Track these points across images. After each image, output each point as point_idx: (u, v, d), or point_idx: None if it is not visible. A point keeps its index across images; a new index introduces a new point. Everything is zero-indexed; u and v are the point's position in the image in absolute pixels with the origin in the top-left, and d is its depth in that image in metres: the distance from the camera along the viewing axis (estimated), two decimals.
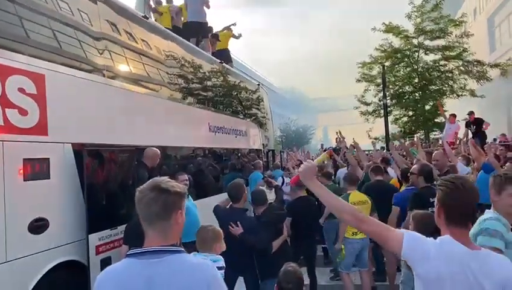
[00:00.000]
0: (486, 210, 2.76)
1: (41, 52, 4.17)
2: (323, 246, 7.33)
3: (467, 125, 13.38)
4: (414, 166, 5.50)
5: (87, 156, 4.49)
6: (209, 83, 8.78)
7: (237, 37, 12.01)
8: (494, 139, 14.30)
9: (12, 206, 3.62)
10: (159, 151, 5.47)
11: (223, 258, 3.29)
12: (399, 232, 1.97)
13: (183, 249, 1.78)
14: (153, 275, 1.66)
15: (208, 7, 10.38)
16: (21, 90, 3.80)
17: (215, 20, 11.56)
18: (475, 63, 19.81)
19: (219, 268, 3.18)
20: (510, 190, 2.67)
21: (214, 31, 11.08)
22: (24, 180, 3.78)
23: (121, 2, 5.89)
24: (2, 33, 3.76)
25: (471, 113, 13.38)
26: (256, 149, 11.38)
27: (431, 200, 4.40)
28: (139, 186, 1.80)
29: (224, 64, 9.86)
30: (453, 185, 1.95)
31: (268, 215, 4.66)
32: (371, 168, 6.35)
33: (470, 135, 13.38)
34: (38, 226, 3.87)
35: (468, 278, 1.81)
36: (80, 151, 4.43)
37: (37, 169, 3.95)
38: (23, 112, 3.80)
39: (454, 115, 13.92)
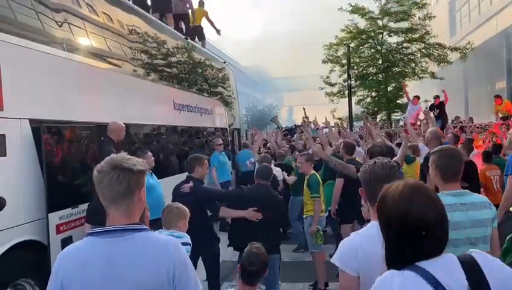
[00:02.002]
0: None
1: None
2: None
3: (431, 108, 13.79)
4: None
5: (46, 133, 4.32)
6: (173, 60, 8.60)
7: (217, 31, 12.22)
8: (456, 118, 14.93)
9: None
10: (123, 125, 5.33)
11: (188, 235, 3.32)
12: None
13: (147, 227, 1.75)
14: (116, 254, 1.63)
15: None
16: None
17: None
18: (436, 46, 20.33)
19: (184, 244, 3.21)
20: None
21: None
22: None
23: None
24: None
25: (436, 97, 13.77)
26: (222, 128, 11.33)
27: None
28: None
29: (189, 40, 9.66)
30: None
31: (248, 188, 4.75)
32: (344, 147, 6.37)
33: (432, 116, 13.84)
34: None
35: None
36: (38, 128, 4.25)
37: None
38: None
39: (417, 97, 14.32)
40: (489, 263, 1.45)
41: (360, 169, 2.28)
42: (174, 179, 6.74)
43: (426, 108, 15.74)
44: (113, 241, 1.64)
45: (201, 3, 11.92)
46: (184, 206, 3.50)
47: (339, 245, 2.04)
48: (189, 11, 10.77)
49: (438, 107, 13.05)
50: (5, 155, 3.90)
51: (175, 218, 3.38)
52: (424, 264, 1.41)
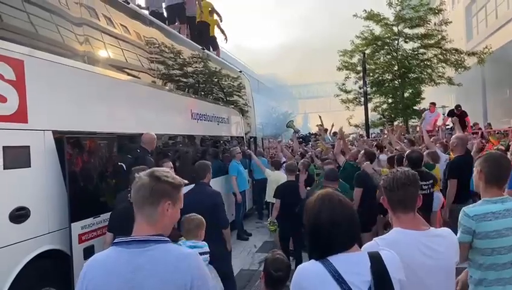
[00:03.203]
0: None
1: (20, 38, 4.06)
2: None
3: (450, 114, 13.60)
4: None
5: (68, 144, 4.41)
6: (191, 70, 8.70)
7: (225, 37, 11.89)
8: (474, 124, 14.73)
9: None
10: (155, 135, 5.48)
11: (206, 244, 3.49)
12: None
13: (168, 239, 1.79)
14: (139, 264, 1.68)
15: None
16: None
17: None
18: (453, 51, 20.11)
19: (204, 253, 3.36)
20: None
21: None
22: (4, 169, 3.70)
23: None
24: None
25: (458, 106, 13.60)
26: (238, 136, 11.38)
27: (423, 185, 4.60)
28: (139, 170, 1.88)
29: (206, 50, 9.75)
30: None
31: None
32: (364, 155, 6.39)
33: (449, 122, 13.69)
34: (19, 215, 3.81)
35: None
36: (61, 139, 4.35)
37: (17, 157, 3.87)
38: (2, 99, 3.71)
39: (434, 104, 14.19)
40: (392, 259, 1.79)
41: (382, 178, 2.36)
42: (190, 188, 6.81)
43: (444, 114, 15.58)
44: (136, 251, 1.70)
45: (213, 12, 11.33)
46: (201, 217, 3.63)
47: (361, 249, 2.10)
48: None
49: (458, 116, 12.87)
50: (30, 166, 4.00)
51: (195, 228, 3.53)
52: (333, 258, 1.72)
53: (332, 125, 9.93)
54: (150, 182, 1.77)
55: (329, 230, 1.75)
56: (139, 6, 8.52)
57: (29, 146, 4.00)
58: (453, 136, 6.56)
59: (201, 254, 3.28)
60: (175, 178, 1.85)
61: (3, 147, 3.71)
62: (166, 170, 1.86)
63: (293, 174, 6.38)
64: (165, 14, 9.70)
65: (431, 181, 4.97)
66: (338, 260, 1.71)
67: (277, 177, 7.67)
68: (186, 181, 1.94)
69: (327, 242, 1.76)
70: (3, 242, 3.63)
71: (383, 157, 7.56)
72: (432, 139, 8.15)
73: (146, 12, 8.27)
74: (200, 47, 9.50)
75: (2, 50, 3.75)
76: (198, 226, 3.55)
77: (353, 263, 1.72)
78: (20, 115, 3.90)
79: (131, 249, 1.71)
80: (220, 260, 4.41)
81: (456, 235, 2.48)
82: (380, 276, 1.71)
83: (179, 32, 9.02)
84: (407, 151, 5.62)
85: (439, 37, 20.11)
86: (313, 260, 1.77)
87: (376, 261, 1.74)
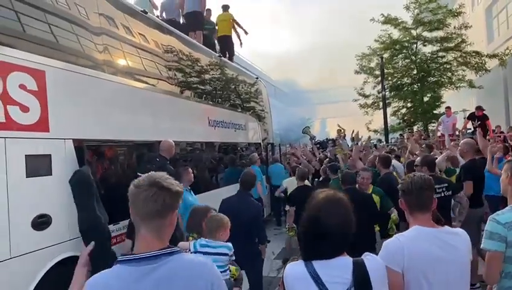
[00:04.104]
0: None
1: (42, 48, 4.16)
2: None
3: (471, 117, 13.36)
4: (418, 158, 5.77)
5: (88, 152, 4.49)
6: (207, 77, 8.77)
7: (242, 32, 11.57)
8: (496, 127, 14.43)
9: (15, 203, 3.63)
10: (173, 143, 5.56)
11: (228, 244, 3.45)
12: None
13: (179, 249, 1.71)
14: (155, 281, 1.58)
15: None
16: (22, 86, 3.79)
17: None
18: (473, 54, 19.79)
19: (221, 254, 3.35)
20: None
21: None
22: (26, 177, 3.78)
23: None
24: (3, 29, 3.75)
25: (479, 108, 13.36)
26: (255, 142, 11.39)
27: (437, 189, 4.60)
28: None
29: (222, 57, 9.83)
30: None
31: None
32: (379, 161, 6.37)
33: (470, 126, 13.45)
34: (41, 222, 3.88)
35: None
36: (81, 147, 4.43)
37: (39, 165, 3.95)
38: (24, 109, 3.80)
39: (449, 108, 14.00)
40: (376, 268, 1.86)
41: (400, 181, 2.54)
42: (210, 195, 6.85)
43: (464, 117, 15.31)
44: (148, 268, 1.59)
45: (225, 8, 11.26)
46: (224, 217, 3.61)
47: (383, 246, 2.25)
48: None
49: (480, 119, 12.61)
50: (51, 174, 4.08)
51: (214, 229, 3.49)
52: (317, 262, 1.82)
53: (353, 132, 9.82)
54: (160, 194, 1.65)
55: (321, 237, 1.84)
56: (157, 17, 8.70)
57: (50, 154, 4.08)
58: (461, 142, 6.52)
59: (213, 254, 3.30)
60: (179, 185, 1.75)
61: (26, 155, 3.79)
62: (166, 175, 1.73)
63: (304, 180, 6.48)
64: (183, 21, 9.84)
65: (445, 184, 4.98)
66: (320, 263, 1.83)
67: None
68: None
69: (315, 249, 1.86)
70: (26, 249, 3.71)
71: (396, 163, 7.49)
72: (452, 144, 8.02)
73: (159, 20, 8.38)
74: (217, 54, 9.57)
75: (24, 61, 3.85)
76: (218, 227, 3.51)
77: (335, 267, 1.82)
78: (42, 124, 3.99)
79: (142, 266, 1.59)
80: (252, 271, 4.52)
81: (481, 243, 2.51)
82: (360, 281, 1.79)
83: (195, 39, 9.13)
84: (423, 156, 5.72)
85: (459, 40, 19.82)
86: (300, 261, 1.89)
87: (358, 267, 1.82)
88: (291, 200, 6.26)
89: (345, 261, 1.85)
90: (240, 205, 4.65)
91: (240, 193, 4.92)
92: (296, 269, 1.89)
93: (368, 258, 1.91)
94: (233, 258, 3.44)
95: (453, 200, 5.25)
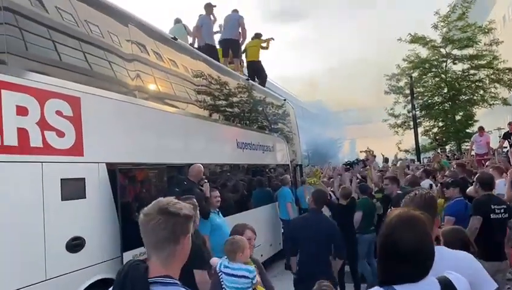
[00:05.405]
0: None
1: (77, 76, 4.33)
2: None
3: (506, 136, 12.97)
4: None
5: (121, 175, 4.59)
6: (236, 100, 8.88)
7: (266, 45, 11.79)
8: None
9: (51, 225, 3.74)
10: (202, 167, 5.69)
11: (251, 267, 3.49)
12: None
13: (177, 282, 1.66)
14: None
15: (243, 28, 10.63)
16: (58, 113, 3.95)
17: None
18: (506, 70, 19.33)
19: (244, 277, 3.38)
20: None
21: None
22: (62, 200, 3.89)
23: (150, 24, 6.06)
24: (42, 59, 3.94)
25: (511, 123, 12.97)
26: (284, 164, 11.36)
27: (492, 207, 4.45)
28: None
29: (250, 81, 9.96)
30: None
31: None
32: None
33: (506, 145, 13.02)
34: (75, 245, 3.97)
35: None
36: (114, 171, 4.54)
37: (73, 188, 4.06)
38: (60, 134, 3.94)
39: (482, 128, 13.68)
40: (462, 283, 1.70)
41: (403, 200, 2.36)
42: (238, 217, 6.83)
43: (500, 136, 14.87)
44: None
45: (257, 36, 11.64)
46: (242, 239, 3.63)
47: None
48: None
49: None
50: (85, 197, 4.18)
51: (234, 251, 3.52)
52: (401, 287, 1.60)
53: (383, 155, 9.72)
54: (169, 220, 1.62)
55: (403, 259, 1.62)
56: (192, 45, 9.00)
57: (84, 178, 4.20)
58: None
59: (232, 275, 3.36)
60: (188, 208, 1.72)
61: (61, 179, 3.91)
62: (174, 201, 1.70)
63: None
64: (219, 46, 10.16)
65: (504, 206, 4.75)
66: (403, 288, 1.61)
67: None
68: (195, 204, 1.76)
69: (395, 272, 1.65)
70: (61, 271, 3.78)
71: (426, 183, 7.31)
72: (487, 163, 7.78)
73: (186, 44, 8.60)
74: (245, 77, 9.70)
75: (61, 88, 4.02)
76: (238, 249, 3.53)
77: None
78: (77, 149, 4.12)
79: None
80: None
81: None
82: None
83: (234, 66, 9.39)
84: (479, 173, 5.48)
85: (491, 57, 19.43)
86: (377, 287, 1.68)
87: (447, 288, 1.65)
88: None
89: (431, 283, 1.65)
90: (317, 223, 4.77)
91: (313, 210, 5.00)
92: None
93: (452, 277, 1.72)
94: (255, 281, 3.44)
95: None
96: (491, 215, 4.47)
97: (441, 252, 1.97)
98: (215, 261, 3.60)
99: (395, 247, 1.63)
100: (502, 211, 4.73)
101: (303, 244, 4.76)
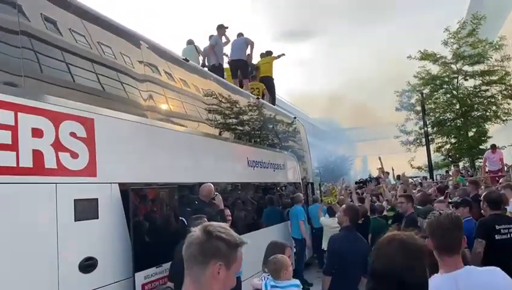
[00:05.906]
0: None
1: (91, 98, 4.41)
2: None
3: None
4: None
5: (133, 195, 4.62)
6: (246, 119, 8.93)
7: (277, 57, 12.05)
8: None
9: (64, 246, 3.76)
10: (212, 187, 5.79)
11: (297, 281, 3.84)
12: None
13: None
14: None
15: (252, 47, 10.80)
16: (72, 134, 4.01)
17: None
18: None
19: None
20: None
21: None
22: (75, 221, 3.93)
23: (162, 46, 6.17)
24: (56, 81, 4.03)
25: None
26: (295, 182, 11.33)
27: (497, 227, 4.34)
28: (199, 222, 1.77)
29: (260, 99, 10.02)
30: None
31: None
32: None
33: None
34: (88, 265, 3.98)
35: None
36: (126, 191, 4.57)
37: (86, 209, 4.09)
38: (74, 155, 4.00)
39: (494, 146, 13.60)
40: None
41: (426, 221, 2.38)
42: (249, 236, 6.80)
43: None
44: None
45: (269, 53, 11.92)
46: (284, 257, 3.87)
47: None
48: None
49: None
50: (98, 218, 4.21)
51: (279, 269, 3.76)
52: None
53: (393, 170, 9.69)
54: (201, 238, 1.55)
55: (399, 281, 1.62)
56: (203, 65, 9.15)
57: (97, 198, 4.23)
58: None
59: None
60: (232, 235, 1.60)
61: (75, 199, 3.95)
62: (223, 225, 1.63)
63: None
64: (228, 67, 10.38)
65: None
66: None
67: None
68: (246, 241, 1.65)
69: None
70: None
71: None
72: (501, 181, 7.67)
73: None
74: (255, 96, 9.77)
75: (75, 110, 4.09)
76: (282, 267, 3.75)
77: None
78: (90, 170, 4.17)
79: None
80: None
81: None
82: None
83: (242, 86, 9.49)
84: (485, 192, 5.29)
85: (503, 72, 19.33)
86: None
87: None
88: None
89: None
90: (355, 241, 4.71)
91: (348, 228, 4.85)
92: None
93: None
94: None
95: None
96: (496, 236, 4.29)
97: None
98: (256, 282, 3.83)
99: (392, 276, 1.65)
100: (511, 229, 4.57)
101: (344, 263, 4.58)
